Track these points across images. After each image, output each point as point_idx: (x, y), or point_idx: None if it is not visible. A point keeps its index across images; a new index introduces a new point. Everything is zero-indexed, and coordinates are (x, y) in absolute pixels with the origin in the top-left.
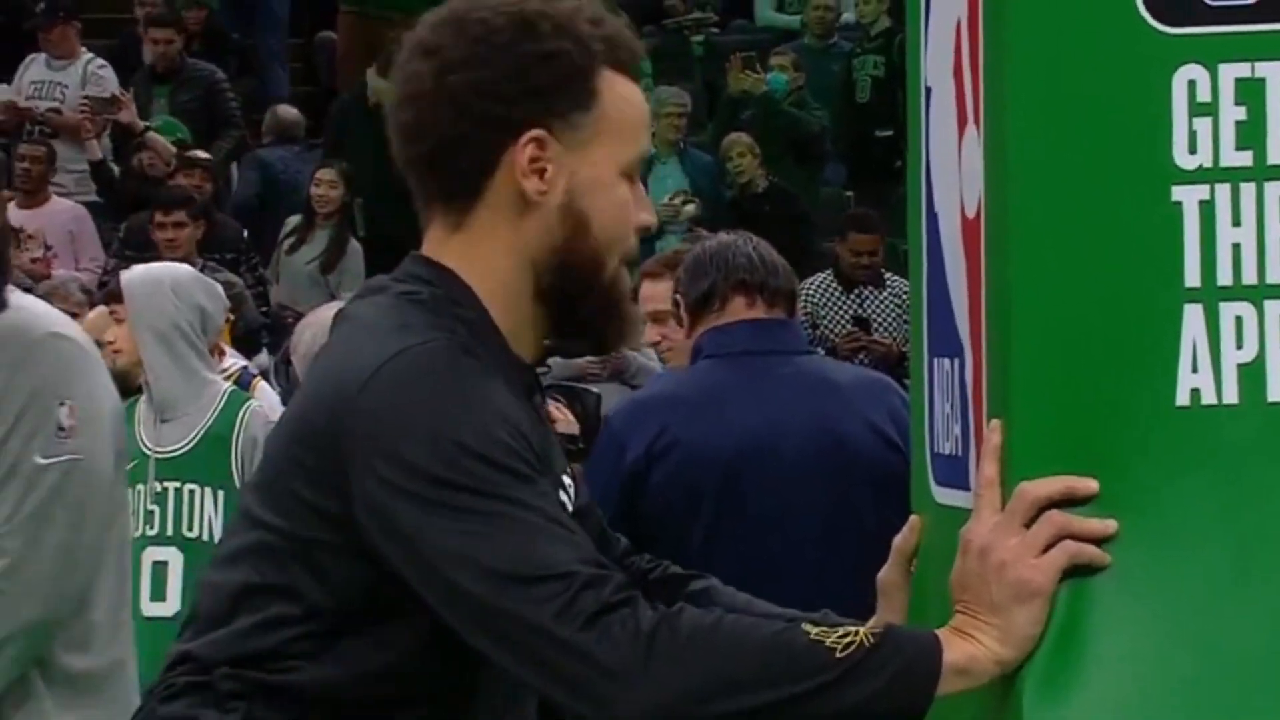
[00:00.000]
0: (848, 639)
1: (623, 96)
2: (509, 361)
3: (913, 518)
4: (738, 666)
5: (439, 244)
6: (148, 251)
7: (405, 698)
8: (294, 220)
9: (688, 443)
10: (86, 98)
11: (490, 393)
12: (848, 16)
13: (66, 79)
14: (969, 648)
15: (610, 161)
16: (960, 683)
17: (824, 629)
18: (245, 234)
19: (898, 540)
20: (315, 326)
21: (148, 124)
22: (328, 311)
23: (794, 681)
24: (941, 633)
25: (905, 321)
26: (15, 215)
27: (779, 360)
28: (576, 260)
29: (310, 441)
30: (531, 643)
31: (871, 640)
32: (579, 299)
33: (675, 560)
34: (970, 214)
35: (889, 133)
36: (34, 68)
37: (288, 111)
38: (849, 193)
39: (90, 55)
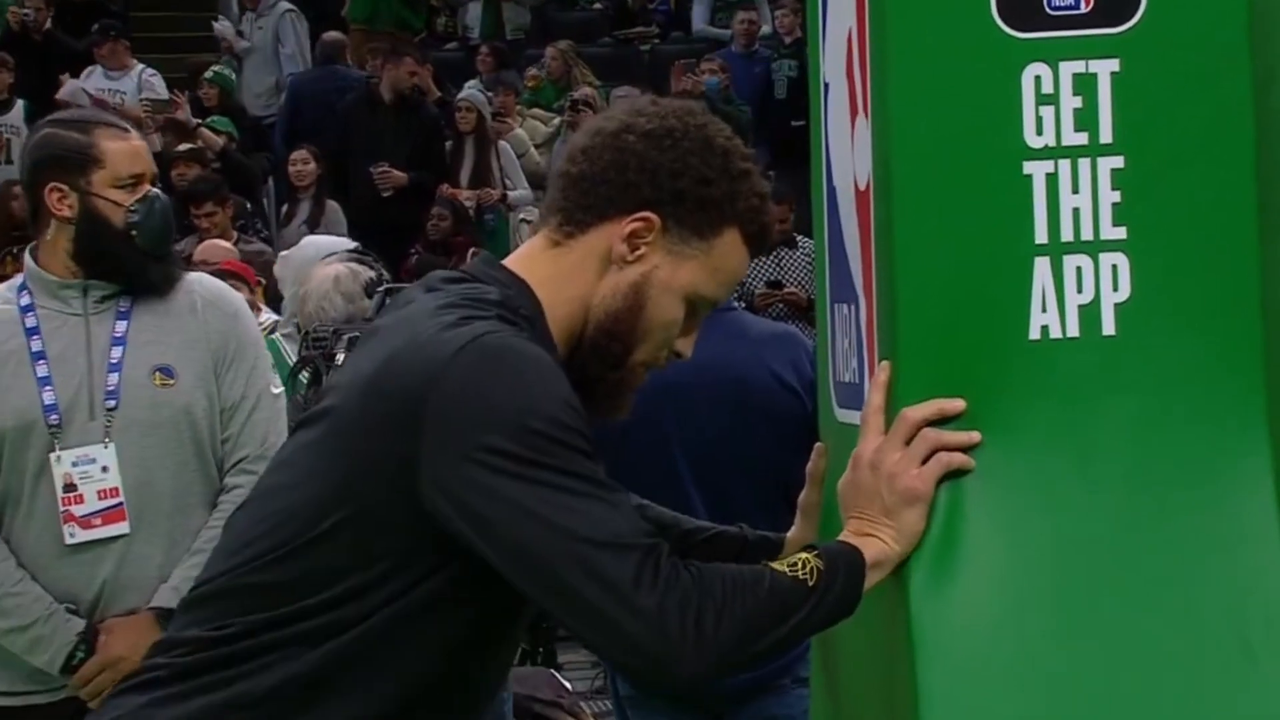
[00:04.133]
0: (807, 569)
1: (732, 254)
2: (557, 362)
3: (818, 445)
4: (757, 616)
5: (534, 251)
6: (184, 234)
7: (393, 682)
8: (285, 206)
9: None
10: (145, 99)
11: (560, 380)
12: (766, 29)
13: (123, 86)
14: (878, 545)
15: (688, 284)
16: (876, 576)
17: (789, 564)
18: (248, 205)
19: (809, 466)
20: (295, 259)
21: (199, 121)
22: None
23: (793, 614)
24: (849, 539)
25: (813, 275)
26: None
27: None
28: (617, 331)
29: (385, 419)
30: (607, 608)
31: (820, 564)
32: (598, 363)
33: None
34: (861, 186)
35: (802, 123)
36: (93, 78)
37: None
38: (771, 173)
39: (142, 66)
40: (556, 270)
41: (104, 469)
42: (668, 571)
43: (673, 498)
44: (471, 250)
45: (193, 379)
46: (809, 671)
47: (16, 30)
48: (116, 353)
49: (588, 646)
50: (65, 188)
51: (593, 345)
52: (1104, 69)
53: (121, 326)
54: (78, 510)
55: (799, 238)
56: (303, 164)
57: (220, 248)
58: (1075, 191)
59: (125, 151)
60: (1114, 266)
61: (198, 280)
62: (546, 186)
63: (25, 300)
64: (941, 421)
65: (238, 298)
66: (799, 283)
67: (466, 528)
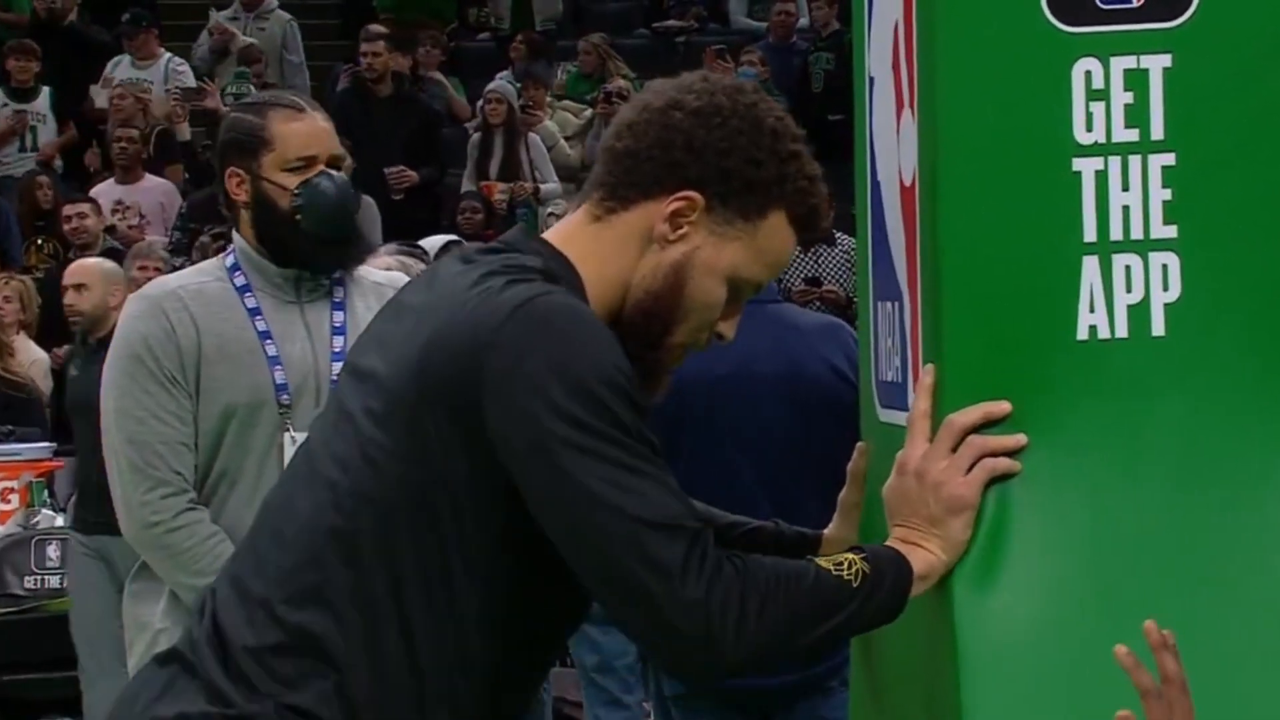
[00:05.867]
0: (853, 570)
1: (778, 236)
2: None
3: (860, 444)
4: (800, 611)
5: (575, 226)
6: (207, 223)
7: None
8: None
9: (678, 373)
10: (176, 88)
11: (615, 343)
12: (803, 21)
13: (151, 76)
14: (926, 556)
15: (731, 264)
16: (922, 587)
17: (834, 563)
18: None
19: (850, 465)
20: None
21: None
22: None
23: (835, 613)
24: (896, 546)
25: (852, 273)
26: (115, 190)
27: (753, 307)
28: (656, 310)
29: (443, 388)
30: (654, 592)
31: (866, 567)
32: (636, 342)
33: None
34: (907, 183)
35: (839, 117)
36: (121, 68)
37: None
38: None
39: (169, 55)
40: (597, 246)
41: None
42: (714, 560)
43: (732, 492)
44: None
45: None
46: None
47: (44, 18)
48: (338, 342)
49: (626, 630)
50: (242, 172)
51: (630, 324)
52: (1156, 64)
53: (339, 317)
54: None
55: (838, 234)
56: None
57: None
58: (1125, 189)
59: (295, 133)
60: (1164, 266)
61: (400, 276)
62: (577, 179)
63: (240, 280)
64: (987, 425)
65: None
66: (837, 280)
67: (524, 487)
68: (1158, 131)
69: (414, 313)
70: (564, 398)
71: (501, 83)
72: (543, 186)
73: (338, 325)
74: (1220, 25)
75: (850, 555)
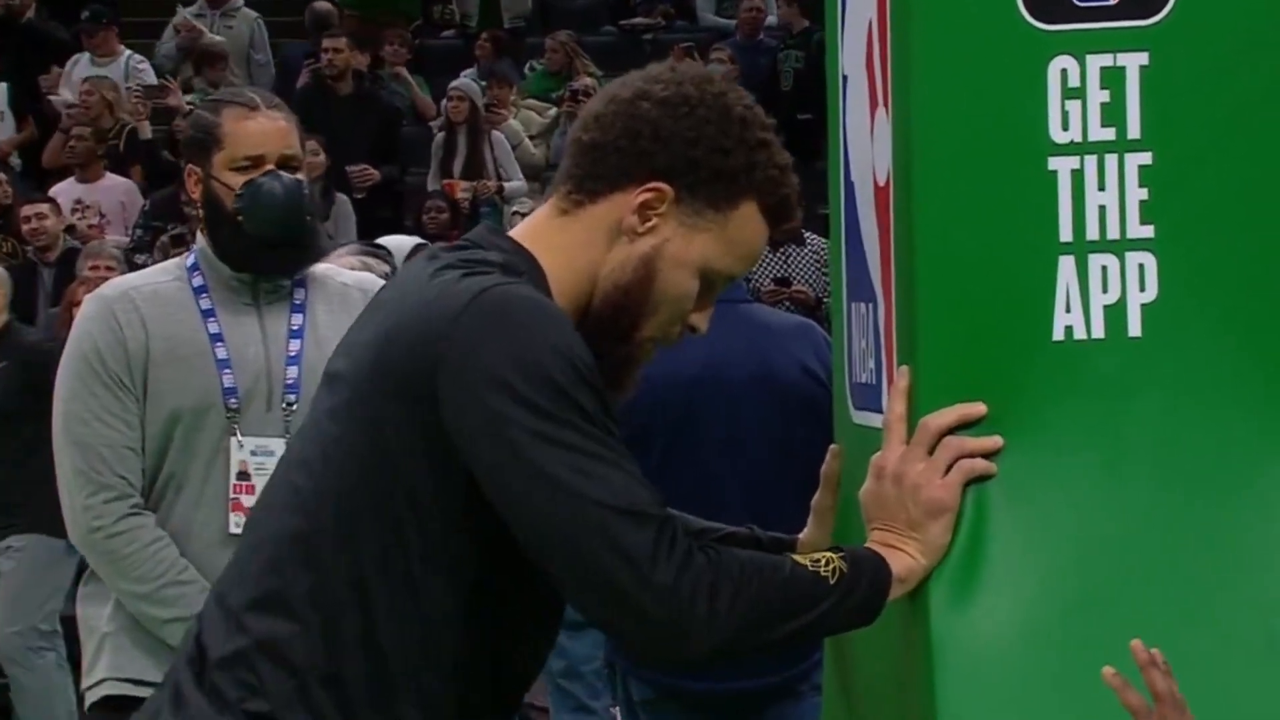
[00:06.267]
0: (830, 567)
1: (749, 226)
2: None
3: (833, 446)
4: (773, 603)
5: (541, 220)
6: (169, 222)
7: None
8: None
9: (650, 375)
10: (138, 85)
11: (573, 331)
12: (771, 19)
13: (110, 74)
14: (905, 559)
15: (702, 256)
16: (900, 590)
17: (811, 560)
18: None
19: (824, 468)
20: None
21: (192, 104)
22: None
23: (810, 609)
24: (875, 549)
25: (822, 273)
26: (75, 189)
27: (725, 307)
28: (625, 304)
29: (401, 378)
30: (622, 579)
31: (844, 566)
32: (605, 337)
33: None
34: (881, 182)
35: (809, 116)
36: (80, 66)
37: None
38: None
39: (130, 53)
40: (563, 240)
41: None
42: (684, 547)
43: (707, 495)
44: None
45: None
46: None
47: (1, 14)
48: (294, 345)
49: (591, 618)
50: (198, 171)
51: (599, 318)
52: (1132, 62)
53: (298, 320)
54: (247, 500)
55: (807, 234)
56: (311, 155)
57: None
58: (1102, 188)
59: (245, 131)
60: (1141, 266)
61: (369, 278)
62: (541, 178)
63: (198, 281)
64: (964, 426)
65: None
66: (807, 280)
67: (485, 479)
68: (1134, 130)
69: (378, 310)
70: (523, 386)
71: (465, 80)
72: (507, 185)
73: (295, 328)
74: (1197, 23)
75: (828, 553)
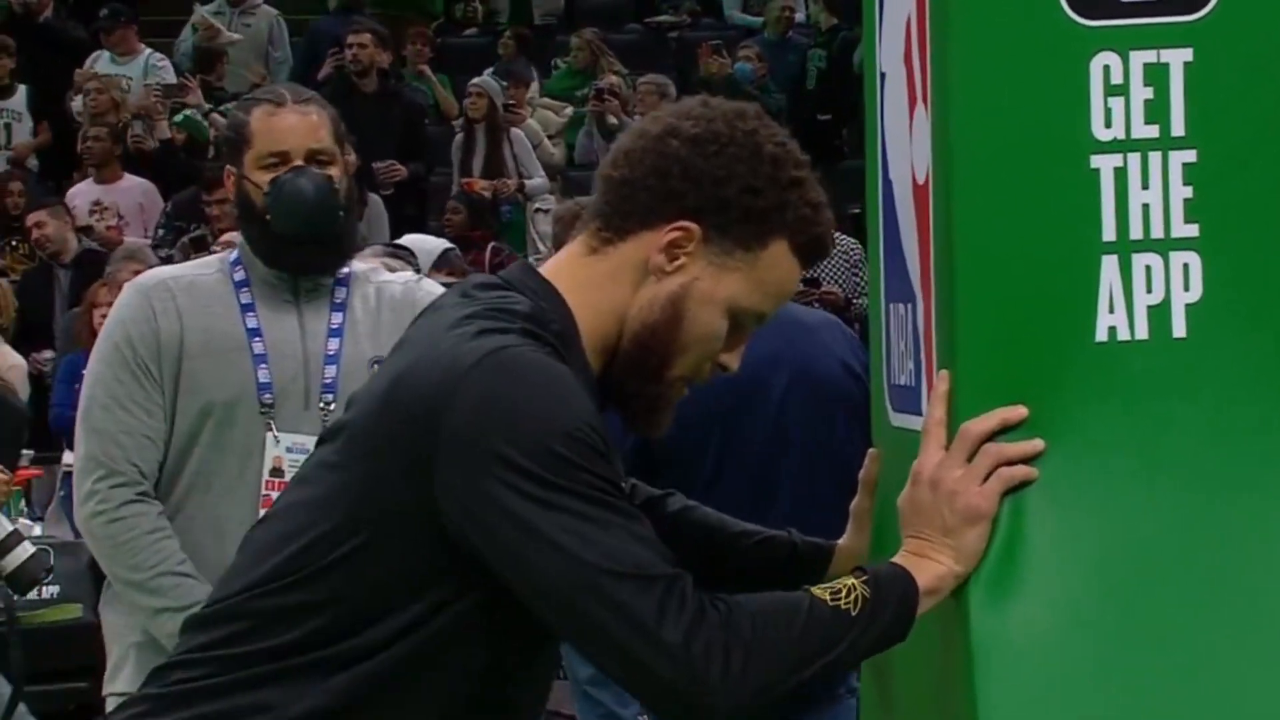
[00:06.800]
0: (852, 596)
1: (780, 266)
2: (587, 376)
3: (872, 450)
4: (791, 650)
5: (570, 257)
6: (193, 223)
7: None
8: None
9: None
10: (158, 84)
11: (581, 398)
12: (800, 16)
13: (129, 72)
14: (935, 569)
15: (730, 296)
16: (932, 601)
17: (831, 591)
18: None
19: (862, 473)
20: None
21: (211, 106)
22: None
23: (833, 648)
24: (905, 560)
25: (851, 273)
26: (92, 190)
27: None
28: (653, 344)
29: (400, 428)
30: (629, 640)
31: (868, 591)
32: (634, 377)
33: (686, 481)
34: (920, 180)
35: (828, 116)
36: (99, 64)
37: None
38: None
39: (150, 51)
40: (590, 278)
41: None
42: (694, 605)
43: (758, 498)
44: (491, 245)
45: None
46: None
47: (19, 13)
48: (334, 344)
49: (612, 680)
50: (234, 170)
51: (628, 358)
52: (1176, 59)
53: (338, 318)
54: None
55: (837, 235)
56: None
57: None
58: (1145, 187)
59: (270, 128)
60: (1185, 265)
61: (413, 275)
62: (563, 177)
63: (240, 275)
64: (1004, 431)
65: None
66: (836, 280)
67: (484, 550)
68: (1178, 128)
69: (405, 346)
70: (521, 452)
71: (485, 77)
72: (528, 182)
73: (335, 327)
74: (1242, 18)
75: (850, 580)
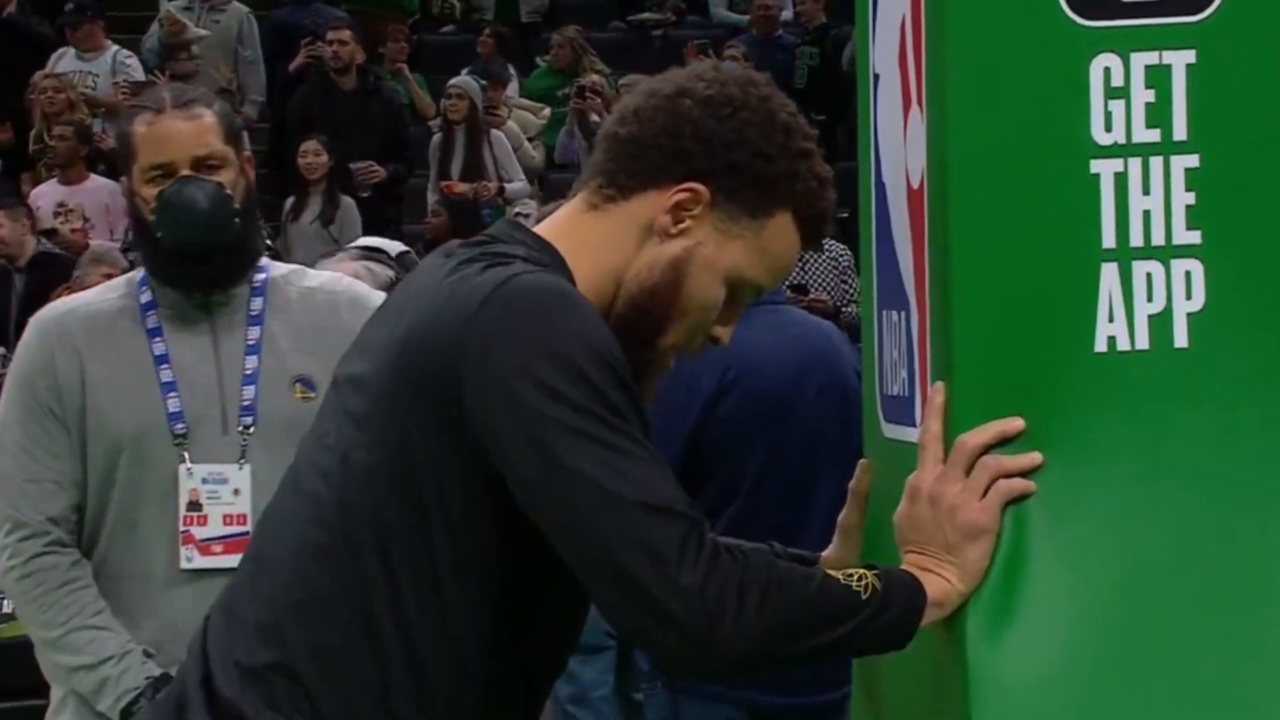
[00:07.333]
0: (864, 582)
1: (783, 238)
2: None
3: (862, 461)
4: (802, 612)
5: (569, 214)
6: None
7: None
8: (290, 200)
9: (748, 378)
10: (125, 81)
11: (600, 322)
12: (786, 14)
13: (96, 69)
14: (941, 584)
15: (733, 264)
16: (935, 614)
17: (844, 574)
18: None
19: (853, 484)
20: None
21: None
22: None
23: (841, 623)
24: (911, 571)
25: (841, 280)
26: (57, 191)
27: (774, 309)
28: (651, 307)
29: (424, 380)
30: (648, 579)
31: (878, 583)
32: (627, 340)
33: (731, 487)
34: (914, 184)
35: (822, 116)
36: (65, 60)
37: None
38: None
39: (117, 47)
40: (591, 236)
41: (235, 491)
42: (712, 547)
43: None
44: (497, 223)
45: None
46: None
47: None
48: (251, 362)
49: (615, 621)
50: (128, 183)
51: (622, 320)
52: (1179, 61)
53: (254, 333)
54: (199, 532)
55: (826, 241)
56: (314, 155)
57: None
58: (1146, 192)
59: (149, 138)
60: (1187, 273)
61: (338, 278)
62: (542, 180)
63: (146, 297)
64: (1002, 443)
65: (382, 298)
66: (825, 288)
67: (512, 475)
68: (1180, 132)
69: (393, 310)
70: (550, 376)
71: (464, 77)
72: (508, 185)
73: (251, 344)
74: (1247, 19)
75: (862, 569)
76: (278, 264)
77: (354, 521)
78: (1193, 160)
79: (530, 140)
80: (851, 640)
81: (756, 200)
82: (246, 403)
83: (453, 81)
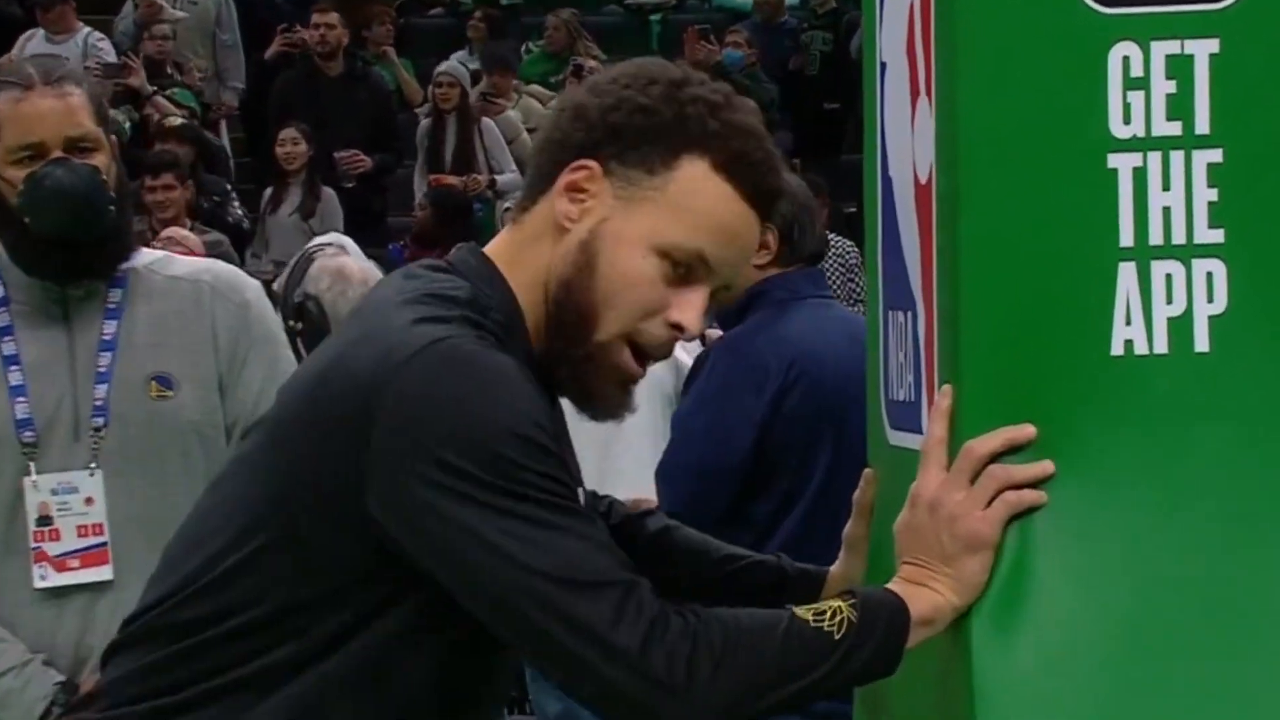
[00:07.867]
0: (837, 619)
1: (703, 191)
2: (534, 366)
3: (867, 471)
4: (765, 667)
5: (502, 236)
6: (139, 214)
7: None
8: (269, 190)
9: (814, 373)
10: (97, 63)
11: (524, 395)
12: None
13: (66, 52)
14: (932, 598)
15: (648, 229)
16: (926, 632)
17: (814, 613)
18: (228, 186)
19: (857, 495)
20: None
21: (155, 88)
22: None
23: (810, 671)
24: (899, 587)
25: (847, 278)
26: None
27: (824, 303)
28: (571, 301)
29: (329, 420)
30: (583, 651)
31: (854, 615)
32: (564, 344)
33: (796, 487)
34: (923, 179)
35: (836, 105)
36: (34, 43)
37: None
38: (795, 160)
39: (88, 29)
40: (515, 251)
41: (87, 500)
42: (652, 610)
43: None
44: (456, 247)
45: (197, 388)
46: None
47: None
48: (105, 359)
49: (570, 695)
50: None
51: (553, 324)
52: (1201, 50)
53: (110, 327)
54: (52, 549)
55: (832, 236)
56: (292, 144)
57: (184, 240)
58: (1166, 189)
59: (17, 117)
60: (1209, 274)
61: (207, 266)
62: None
63: None
64: (1010, 452)
65: (252, 284)
66: (830, 286)
67: (424, 557)
68: (1203, 125)
69: (341, 330)
70: (460, 460)
71: (454, 63)
72: (499, 178)
73: (107, 339)
74: (1272, 7)
75: (837, 602)
76: (145, 251)
77: (229, 559)
78: (1215, 155)
79: (531, 131)
80: (826, 681)
81: (651, 155)
82: (99, 403)
83: (441, 68)
